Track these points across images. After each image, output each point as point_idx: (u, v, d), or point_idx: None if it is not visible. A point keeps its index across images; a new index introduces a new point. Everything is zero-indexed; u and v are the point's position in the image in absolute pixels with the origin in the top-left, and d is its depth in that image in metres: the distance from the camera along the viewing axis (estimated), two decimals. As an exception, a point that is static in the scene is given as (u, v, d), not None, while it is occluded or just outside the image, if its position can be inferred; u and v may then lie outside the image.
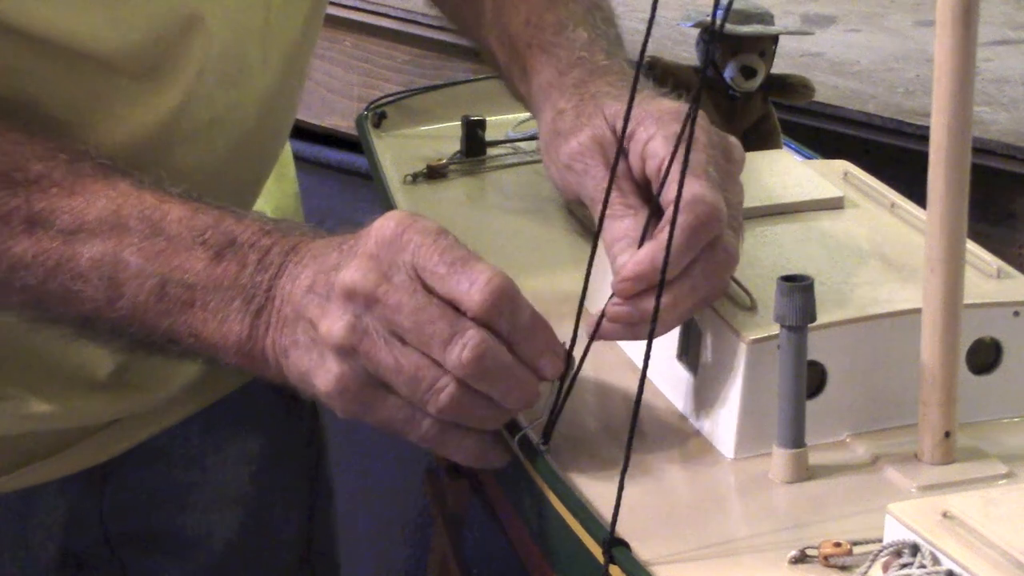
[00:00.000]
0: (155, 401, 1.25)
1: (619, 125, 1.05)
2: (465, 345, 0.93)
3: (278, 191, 1.37)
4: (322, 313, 0.96)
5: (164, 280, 1.00)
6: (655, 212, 1.01)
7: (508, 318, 0.95)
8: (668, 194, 1.00)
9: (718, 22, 1.25)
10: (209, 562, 1.36)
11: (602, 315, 0.99)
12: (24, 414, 1.20)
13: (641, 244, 1.00)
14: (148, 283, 1.00)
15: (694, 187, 0.97)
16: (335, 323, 0.95)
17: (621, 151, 1.03)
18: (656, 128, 1.04)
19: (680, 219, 0.95)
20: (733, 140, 1.08)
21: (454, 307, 0.94)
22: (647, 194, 1.04)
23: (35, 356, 1.18)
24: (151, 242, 1.01)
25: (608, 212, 1.02)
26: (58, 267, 1.02)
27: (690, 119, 0.90)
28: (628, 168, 1.05)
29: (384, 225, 0.96)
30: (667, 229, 0.95)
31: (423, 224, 0.96)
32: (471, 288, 0.94)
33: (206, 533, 1.35)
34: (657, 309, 0.91)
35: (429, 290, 0.95)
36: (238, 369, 1.03)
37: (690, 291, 0.98)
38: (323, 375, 0.97)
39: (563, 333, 0.98)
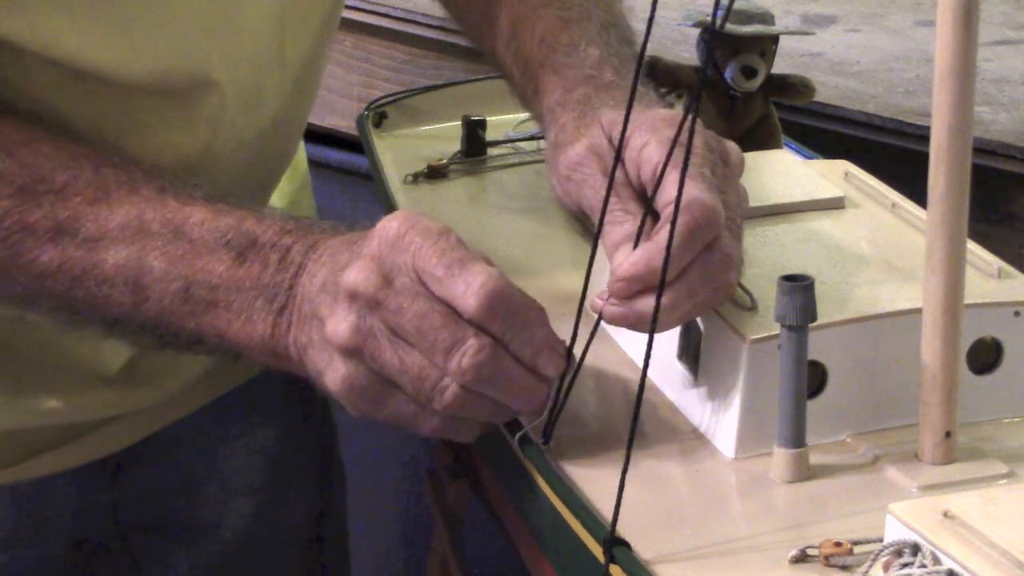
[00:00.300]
0: (165, 394, 1.27)
1: (616, 133, 1.06)
2: (464, 353, 0.94)
3: (289, 186, 1.38)
4: (330, 313, 0.97)
5: (188, 283, 1.02)
6: (651, 215, 1.01)
7: (503, 320, 0.95)
8: (663, 197, 1.00)
9: (718, 22, 1.26)
10: (219, 550, 1.37)
11: (599, 319, 0.99)
12: (34, 409, 1.21)
13: (637, 246, 1.00)
14: (172, 286, 1.02)
15: (690, 189, 0.97)
16: (339, 324, 0.96)
17: (619, 158, 1.03)
18: (650, 135, 1.04)
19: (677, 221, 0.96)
20: (732, 145, 1.08)
21: (454, 310, 0.95)
22: (645, 200, 1.04)
23: (46, 353, 1.19)
24: (174, 246, 1.02)
25: (607, 218, 1.02)
26: (84, 274, 1.03)
27: (691, 119, 0.90)
28: (626, 175, 1.05)
29: (387, 226, 0.97)
30: (664, 230, 0.95)
31: (425, 225, 0.97)
32: (466, 291, 0.94)
33: (217, 522, 1.37)
34: (658, 309, 0.91)
35: (430, 293, 0.95)
36: (265, 366, 1.04)
37: (687, 293, 0.98)
38: (331, 375, 0.98)
39: (563, 333, 0.98)
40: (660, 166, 1.00)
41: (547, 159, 1.15)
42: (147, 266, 1.02)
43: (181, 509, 1.36)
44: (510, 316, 0.95)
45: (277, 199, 1.35)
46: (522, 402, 0.97)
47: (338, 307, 0.97)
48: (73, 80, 1.08)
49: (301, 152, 1.42)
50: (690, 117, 0.91)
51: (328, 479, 1.46)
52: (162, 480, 1.33)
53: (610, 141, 1.09)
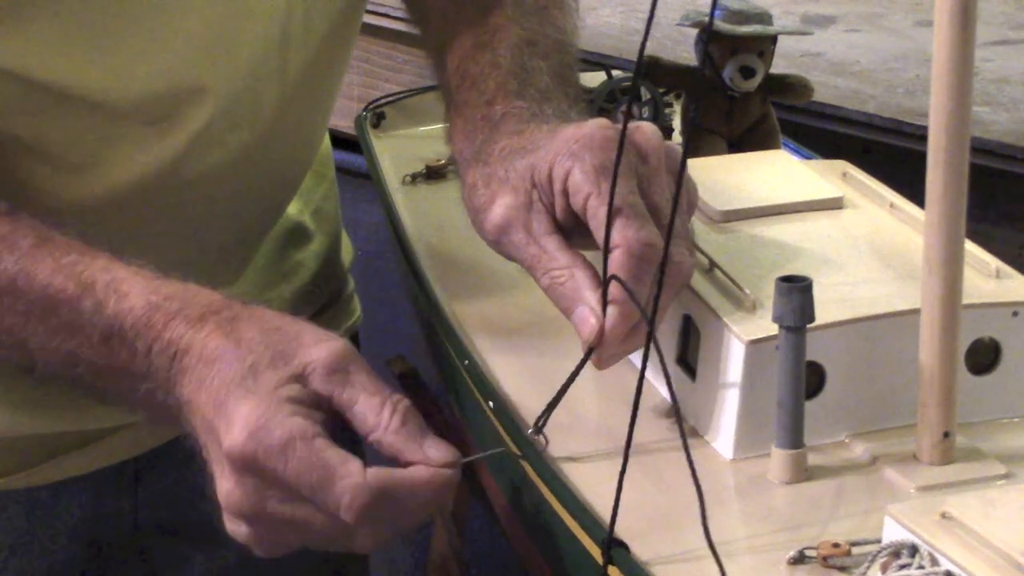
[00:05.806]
0: None
1: (528, 178, 1.03)
2: (345, 498, 0.95)
3: (314, 193, 1.38)
4: (220, 473, 0.99)
5: (74, 358, 1.02)
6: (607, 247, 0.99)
7: (383, 511, 0.96)
8: (603, 236, 0.98)
9: (714, 23, 1.26)
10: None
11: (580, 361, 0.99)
12: (53, 416, 1.21)
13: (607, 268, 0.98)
14: (57, 355, 1.02)
15: (625, 230, 0.96)
16: (232, 493, 0.99)
17: (621, 157, 1.01)
18: (571, 162, 1.01)
19: (623, 270, 0.96)
20: (644, 134, 1.03)
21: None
22: (574, 232, 1.03)
23: None
24: (46, 319, 1.02)
25: (548, 278, 1.00)
26: None
27: (692, 120, 0.90)
28: (550, 219, 1.03)
29: (233, 442, 0.98)
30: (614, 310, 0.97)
31: (267, 444, 0.97)
32: (339, 509, 0.96)
33: None
34: (656, 309, 0.91)
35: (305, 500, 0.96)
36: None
37: (659, 313, 0.97)
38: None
39: (565, 346, 0.98)
40: (591, 197, 0.99)
41: (471, 220, 1.09)
42: (32, 333, 1.02)
43: (199, 513, 1.35)
44: (387, 508, 0.96)
45: (302, 206, 1.35)
46: (417, 516, 0.99)
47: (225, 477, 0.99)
48: (54, 103, 1.07)
49: (328, 159, 1.41)
50: (692, 119, 0.91)
51: None
52: (181, 485, 1.33)
53: (526, 189, 1.05)
